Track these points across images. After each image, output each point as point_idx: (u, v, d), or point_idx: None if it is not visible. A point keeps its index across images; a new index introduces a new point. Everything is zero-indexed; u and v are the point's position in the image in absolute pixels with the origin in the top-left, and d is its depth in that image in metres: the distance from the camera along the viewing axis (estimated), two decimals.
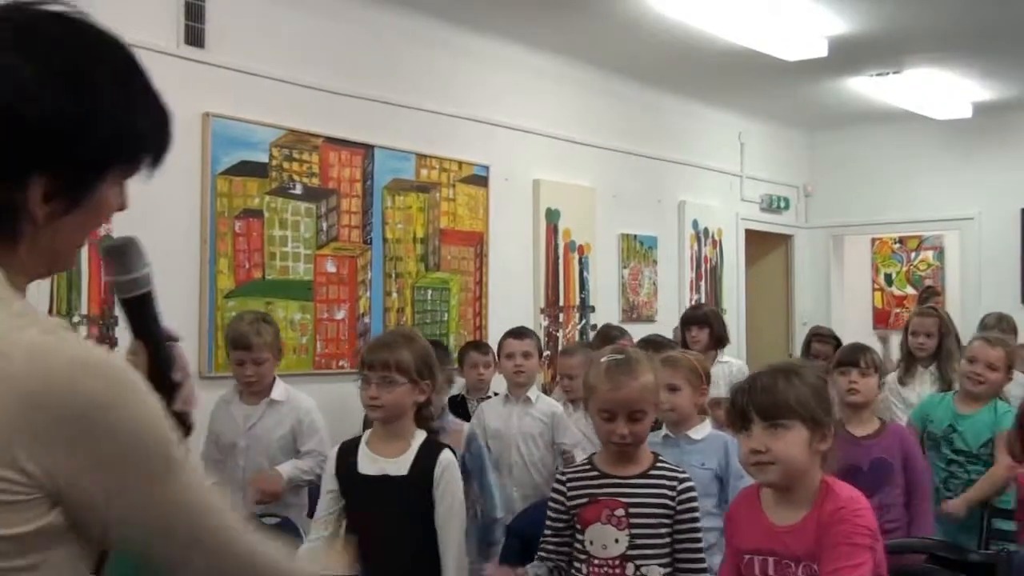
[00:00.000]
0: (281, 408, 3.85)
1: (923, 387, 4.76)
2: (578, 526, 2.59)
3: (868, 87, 7.28)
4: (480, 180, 5.91)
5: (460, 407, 4.66)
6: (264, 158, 4.75)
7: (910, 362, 4.85)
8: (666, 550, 2.50)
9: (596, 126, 6.84)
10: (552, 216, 6.44)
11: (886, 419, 4.00)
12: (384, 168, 5.33)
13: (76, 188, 1.12)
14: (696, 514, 2.53)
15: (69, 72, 1.10)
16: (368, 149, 5.25)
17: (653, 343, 4.44)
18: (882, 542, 2.27)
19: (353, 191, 5.18)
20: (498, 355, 4.73)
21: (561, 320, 6.43)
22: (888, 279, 10.85)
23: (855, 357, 3.73)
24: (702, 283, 7.85)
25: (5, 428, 1.01)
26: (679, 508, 2.50)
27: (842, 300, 9.31)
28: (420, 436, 2.93)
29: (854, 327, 8.53)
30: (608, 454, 2.63)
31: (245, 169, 4.66)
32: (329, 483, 2.99)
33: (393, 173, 5.39)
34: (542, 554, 2.67)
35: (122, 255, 1.27)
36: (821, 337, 6.23)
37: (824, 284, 9.19)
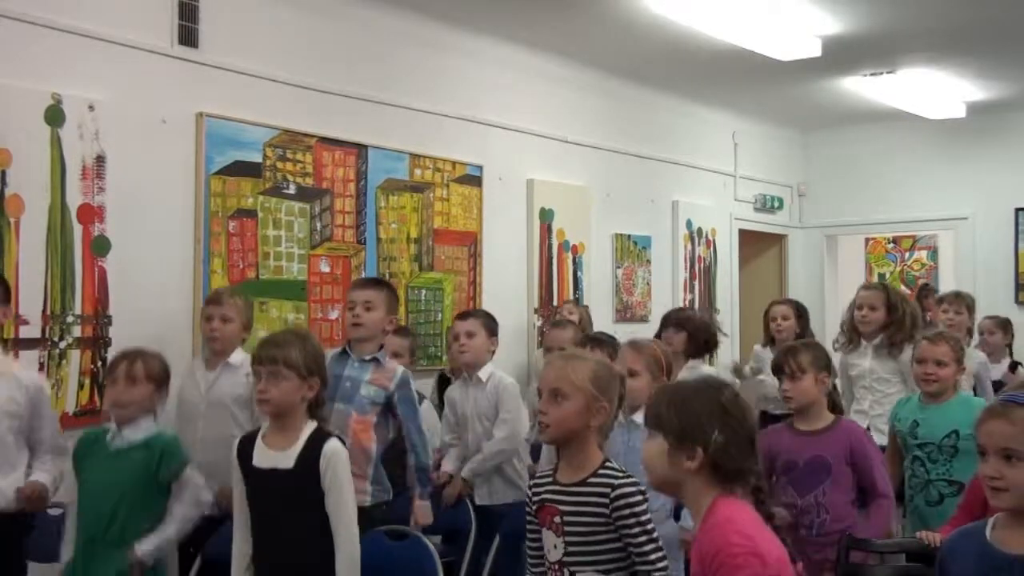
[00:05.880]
0: (237, 371, 3.96)
1: (864, 360, 4.88)
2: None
3: (862, 87, 7.29)
4: (474, 180, 5.91)
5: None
6: (258, 158, 4.75)
7: (852, 335, 4.97)
8: (607, 556, 2.48)
9: (590, 126, 6.84)
10: (546, 216, 6.44)
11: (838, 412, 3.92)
12: (378, 168, 5.33)
13: None
14: (633, 519, 2.47)
15: None
16: (362, 149, 5.25)
17: (591, 339, 4.57)
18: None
19: (347, 191, 5.18)
20: None
21: None
22: (882, 279, 10.86)
23: (780, 362, 3.67)
24: (696, 283, 7.86)
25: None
26: (613, 515, 2.47)
27: (836, 300, 9.31)
28: (310, 427, 2.99)
29: None
30: (561, 460, 2.63)
31: (239, 169, 4.66)
32: (235, 472, 3.07)
33: (387, 173, 5.39)
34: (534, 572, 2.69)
35: None
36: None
37: (818, 284, 9.20)
